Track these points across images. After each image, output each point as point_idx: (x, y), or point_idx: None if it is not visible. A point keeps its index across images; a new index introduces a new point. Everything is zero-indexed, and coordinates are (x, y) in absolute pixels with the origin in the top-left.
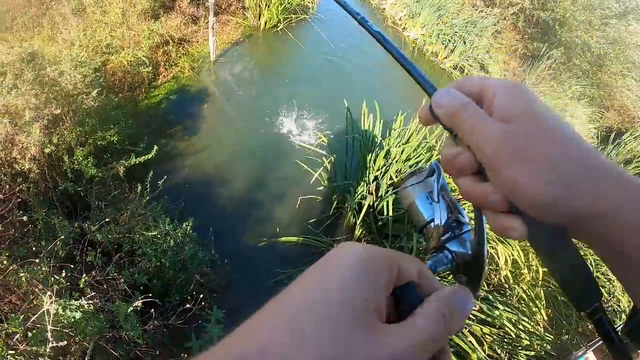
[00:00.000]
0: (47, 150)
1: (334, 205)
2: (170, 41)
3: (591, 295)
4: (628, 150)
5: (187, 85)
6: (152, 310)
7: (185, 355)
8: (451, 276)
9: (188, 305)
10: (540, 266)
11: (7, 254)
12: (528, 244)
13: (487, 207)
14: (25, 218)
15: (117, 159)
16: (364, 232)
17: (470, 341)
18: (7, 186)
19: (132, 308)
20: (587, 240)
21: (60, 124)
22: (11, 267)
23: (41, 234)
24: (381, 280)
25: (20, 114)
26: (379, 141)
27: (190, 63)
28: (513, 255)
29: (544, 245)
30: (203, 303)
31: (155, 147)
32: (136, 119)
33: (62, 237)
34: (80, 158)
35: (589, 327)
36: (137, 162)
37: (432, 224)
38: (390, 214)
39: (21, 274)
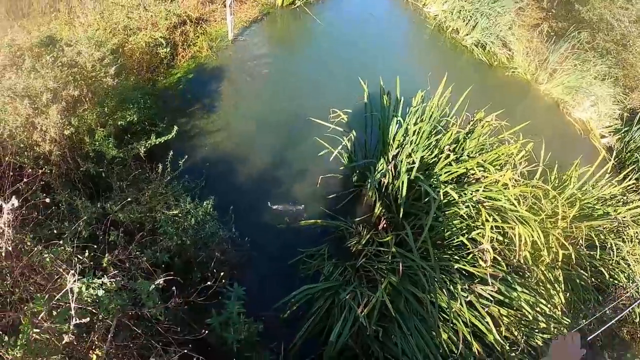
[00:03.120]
0: (67, 132)
1: (354, 183)
2: (188, 21)
3: None
4: None
5: (206, 64)
6: (174, 288)
7: (205, 332)
8: None
9: (209, 283)
10: (559, 248)
11: (32, 235)
12: (548, 226)
13: None
14: (47, 200)
15: (137, 139)
16: (383, 210)
17: (487, 322)
18: (30, 169)
19: (154, 286)
20: None
21: (80, 105)
22: (35, 249)
23: (64, 215)
24: None
25: (39, 96)
26: (398, 119)
27: (208, 42)
28: (533, 237)
29: None
30: (224, 280)
31: (175, 127)
32: (155, 99)
33: (85, 217)
34: (101, 139)
35: (607, 312)
36: (158, 142)
37: None
38: (404, 193)
39: (45, 255)
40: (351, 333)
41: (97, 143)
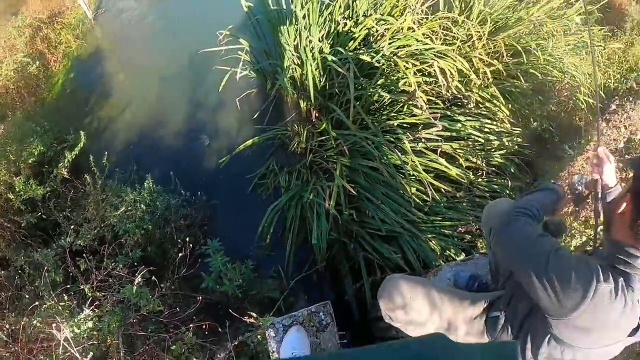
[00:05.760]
0: None
1: (270, 90)
2: (42, 25)
3: None
4: None
5: (80, 56)
6: (153, 277)
7: (199, 298)
8: None
9: (181, 254)
10: (486, 67)
11: (14, 312)
12: (467, 50)
13: None
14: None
15: (55, 164)
16: (308, 102)
17: (441, 162)
18: None
19: (135, 287)
20: None
21: None
22: (23, 321)
23: (31, 275)
24: None
25: None
26: (284, 10)
27: (72, 34)
28: (455, 66)
29: None
30: (199, 242)
31: (82, 132)
32: (51, 117)
33: (50, 265)
34: (22, 186)
35: (553, 109)
36: (74, 156)
37: None
38: (312, 82)
39: (34, 322)
40: (329, 227)
41: (21, 193)
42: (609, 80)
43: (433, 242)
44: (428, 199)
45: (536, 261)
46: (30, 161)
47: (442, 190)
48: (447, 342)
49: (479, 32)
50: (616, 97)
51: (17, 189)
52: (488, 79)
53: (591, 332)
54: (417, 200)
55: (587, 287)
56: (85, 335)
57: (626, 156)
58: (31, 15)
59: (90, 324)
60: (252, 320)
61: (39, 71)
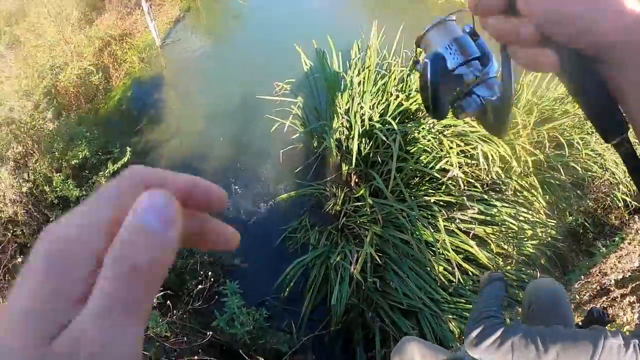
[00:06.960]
0: (24, 189)
1: (315, 148)
2: (112, 40)
3: (617, 127)
4: None
5: (141, 77)
6: (168, 302)
7: (209, 333)
8: None
9: (200, 286)
10: (527, 156)
11: None
12: (511, 137)
13: (517, 42)
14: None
15: (96, 172)
16: (351, 166)
17: (472, 245)
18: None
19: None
20: (609, 73)
21: (30, 158)
22: None
23: None
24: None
25: None
26: (341, 74)
27: (138, 55)
28: (499, 152)
29: (571, 75)
30: (219, 280)
31: (129, 148)
32: (102, 127)
33: None
34: (60, 184)
35: (590, 204)
36: (115, 169)
37: (456, 70)
38: (356, 147)
39: None
40: (351, 292)
41: (57, 189)
42: None
43: (453, 323)
44: (454, 280)
45: (536, 340)
46: (72, 162)
47: (470, 272)
48: None
49: (525, 121)
50: None
51: (55, 185)
52: (529, 168)
53: None
54: (443, 280)
55: (595, 342)
56: None
57: None
58: (104, 29)
59: None
60: None
61: (99, 82)
